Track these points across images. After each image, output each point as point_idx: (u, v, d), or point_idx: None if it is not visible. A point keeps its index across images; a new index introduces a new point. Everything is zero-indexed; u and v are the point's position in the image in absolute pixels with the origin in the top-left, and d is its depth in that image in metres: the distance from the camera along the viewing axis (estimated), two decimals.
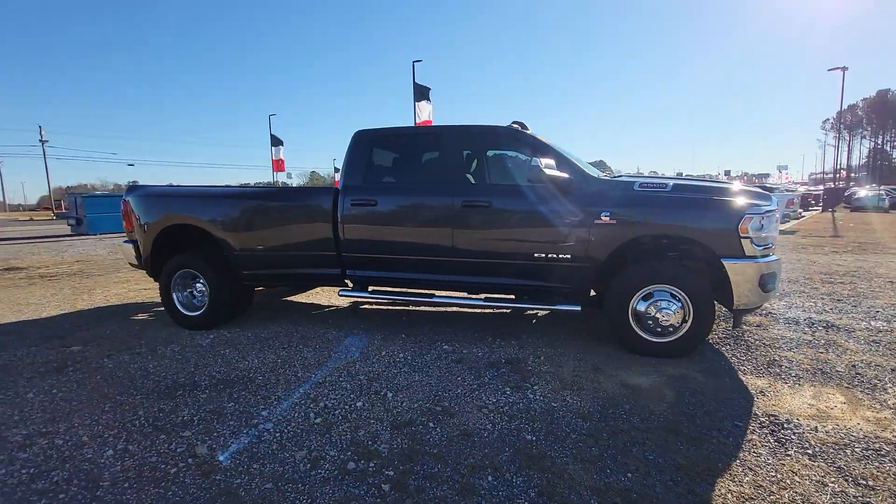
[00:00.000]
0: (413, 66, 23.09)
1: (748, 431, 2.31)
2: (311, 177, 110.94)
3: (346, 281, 4.04)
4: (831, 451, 2.13)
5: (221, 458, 2.11)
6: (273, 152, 31.52)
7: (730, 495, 1.83)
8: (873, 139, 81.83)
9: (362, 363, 3.26)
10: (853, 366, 3.10)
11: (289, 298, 5.45)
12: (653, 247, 3.39)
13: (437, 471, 2.01)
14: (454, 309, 4.76)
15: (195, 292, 4.23)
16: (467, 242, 3.59)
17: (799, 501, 1.79)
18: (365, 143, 3.93)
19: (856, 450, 2.13)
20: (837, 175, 42.62)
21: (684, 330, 3.23)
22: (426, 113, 22.71)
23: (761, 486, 1.89)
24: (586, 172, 3.47)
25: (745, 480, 1.92)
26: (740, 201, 3.16)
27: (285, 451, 2.17)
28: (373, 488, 1.89)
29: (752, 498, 1.82)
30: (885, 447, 2.14)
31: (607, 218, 3.28)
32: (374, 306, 5.00)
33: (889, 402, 2.59)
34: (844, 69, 25.11)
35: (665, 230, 3.24)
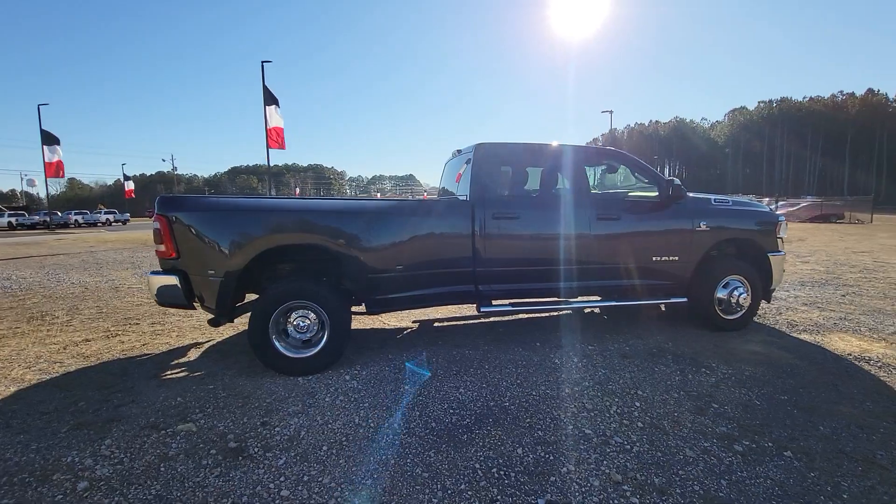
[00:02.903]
0: (262, 66, 21.07)
1: (859, 366, 3.45)
2: (69, 184, 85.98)
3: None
4: None
5: (647, 478, 2.09)
6: (46, 153, 23.64)
7: None
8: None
9: (565, 374, 3.34)
10: (827, 319, 4.76)
11: None
12: (727, 248, 4.44)
13: (787, 434, 2.46)
14: (522, 316, 5.01)
15: (290, 328, 3.41)
16: (599, 251, 4.00)
17: None
18: (491, 157, 3.92)
19: None
20: None
21: (745, 309, 4.38)
22: (276, 118, 21.04)
23: None
24: None
25: None
26: (773, 211, 4.50)
27: (676, 454, 2.27)
28: (785, 459, 2.23)
29: None
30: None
31: (704, 226, 4.19)
32: (446, 323, 4.83)
33: (875, 336, 4.16)
34: (611, 112, 33.95)
35: (738, 234, 4.33)
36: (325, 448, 2.34)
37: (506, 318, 4.94)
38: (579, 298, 4.34)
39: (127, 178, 38.59)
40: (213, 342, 4.29)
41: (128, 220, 39.65)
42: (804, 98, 71.74)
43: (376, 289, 3.49)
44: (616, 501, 1.93)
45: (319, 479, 2.08)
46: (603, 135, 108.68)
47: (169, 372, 3.53)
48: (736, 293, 4.29)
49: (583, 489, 2.00)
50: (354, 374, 3.34)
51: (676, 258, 4.17)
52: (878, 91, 64.25)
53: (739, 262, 4.35)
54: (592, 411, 2.74)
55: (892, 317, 4.81)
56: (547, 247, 3.92)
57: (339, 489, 2.01)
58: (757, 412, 2.73)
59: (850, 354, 3.70)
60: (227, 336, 4.45)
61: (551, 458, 2.24)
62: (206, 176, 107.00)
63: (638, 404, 2.83)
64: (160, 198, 3.36)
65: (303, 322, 3.40)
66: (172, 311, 5.52)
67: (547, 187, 4.22)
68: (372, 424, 2.59)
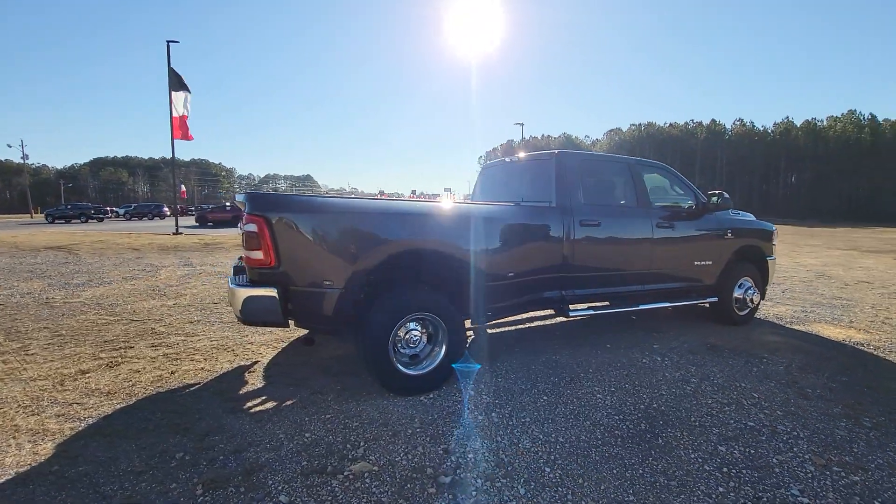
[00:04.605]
0: (168, 46, 18.56)
1: (862, 349, 4.24)
2: None
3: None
4: (886, 347, 4.29)
5: (839, 458, 2.34)
6: None
7: None
8: None
9: (667, 372, 3.54)
10: (797, 312, 5.71)
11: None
12: (740, 254, 5.06)
13: (883, 409, 2.95)
14: (561, 320, 5.16)
15: (399, 346, 3.09)
16: (658, 256, 4.32)
17: None
18: (573, 165, 4.00)
19: (887, 345, 4.37)
20: None
21: (753, 306, 5.08)
22: (184, 105, 18.74)
23: None
24: None
25: None
26: (769, 223, 5.29)
27: (833, 435, 2.57)
28: None
29: None
30: (879, 342, 4.46)
31: (730, 234, 4.78)
32: (497, 329, 4.76)
33: (843, 325, 5.13)
34: (522, 124, 36.45)
35: (751, 241, 5.01)
36: (548, 470, 2.19)
37: (548, 321, 5.05)
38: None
39: None
40: (261, 363, 3.70)
41: None
42: (665, 124, 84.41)
43: (491, 298, 3.34)
44: (842, 481, 2.14)
45: (583, 502, 1.95)
46: (501, 145, 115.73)
47: (249, 404, 2.95)
48: (749, 292, 4.97)
49: (808, 474, 2.18)
50: (479, 389, 3.15)
51: (711, 262, 4.69)
52: (718, 121, 78.49)
53: (749, 266, 5.04)
54: (731, 405, 2.97)
55: (833, 308, 5.95)
56: (621, 252, 4.13)
57: None
58: (842, 393, 3.21)
59: (845, 341, 4.52)
60: (272, 356, 3.86)
61: (752, 451, 2.40)
62: (59, 167, 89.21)
63: (755, 395, 3.13)
64: (252, 195, 2.81)
65: (415, 336, 3.11)
66: (162, 329, 4.60)
67: (616, 196, 4.42)
68: (560, 439, 2.48)
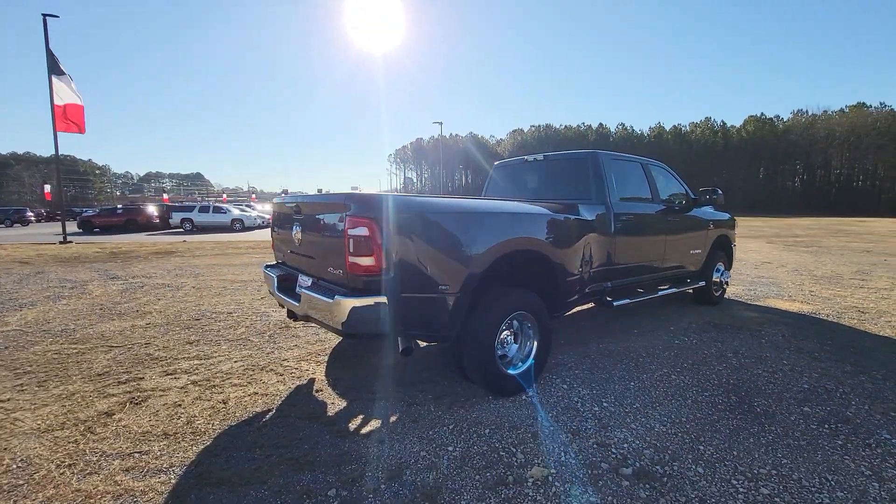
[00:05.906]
0: (45, 21, 15.53)
1: (819, 318, 5.15)
2: None
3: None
4: (832, 315, 5.27)
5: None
6: None
7: (857, 319, 4.54)
8: (415, 171, 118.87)
9: (703, 350, 3.95)
10: (747, 291, 6.71)
11: None
12: (716, 243, 5.78)
13: (880, 364, 3.64)
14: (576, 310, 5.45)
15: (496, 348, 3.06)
16: (668, 246, 4.79)
17: (856, 324, 4.72)
18: (606, 164, 4.24)
19: (832, 313, 5.38)
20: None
21: (725, 287, 5.87)
22: (69, 93, 15.96)
23: (855, 327, 4.72)
24: None
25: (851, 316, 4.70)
26: (729, 214, 6.14)
27: (863, 387, 3.13)
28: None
29: (862, 319, 4.59)
30: (824, 311, 5.49)
31: (712, 226, 5.46)
32: None
33: (790, 299, 6.17)
34: (441, 123, 36.92)
35: (724, 231, 5.76)
36: (702, 448, 2.36)
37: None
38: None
39: None
40: (318, 379, 3.38)
41: None
42: (561, 126, 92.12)
43: (570, 292, 3.44)
44: None
45: (753, 470, 2.15)
46: (411, 143, 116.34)
47: (352, 425, 2.71)
48: (725, 276, 5.74)
49: (880, 421, 2.65)
50: (568, 383, 3.23)
51: (700, 251, 5.32)
52: (605, 125, 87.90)
53: (721, 252, 5.81)
54: (776, 372, 3.44)
55: (769, 286, 7.10)
56: (645, 243, 4.50)
57: (801, 472, 2.14)
58: (839, 354, 3.89)
59: (800, 312, 5.44)
60: (322, 371, 3.54)
61: (828, 408, 2.82)
62: None
63: (786, 362, 3.67)
64: (359, 196, 2.56)
65: (506, 336, 3.10)
66: (160, 354, 3.94)
67: (637, 192, 4.77)
68: (682, 419, 2.68)
